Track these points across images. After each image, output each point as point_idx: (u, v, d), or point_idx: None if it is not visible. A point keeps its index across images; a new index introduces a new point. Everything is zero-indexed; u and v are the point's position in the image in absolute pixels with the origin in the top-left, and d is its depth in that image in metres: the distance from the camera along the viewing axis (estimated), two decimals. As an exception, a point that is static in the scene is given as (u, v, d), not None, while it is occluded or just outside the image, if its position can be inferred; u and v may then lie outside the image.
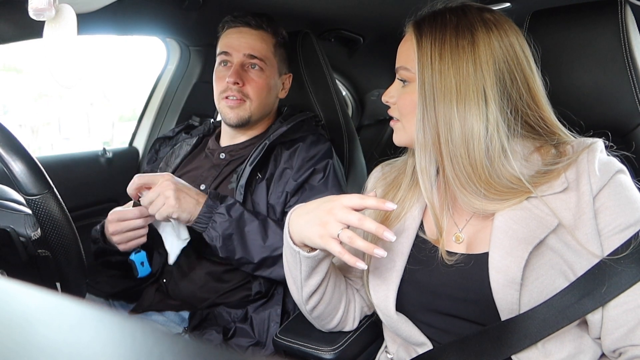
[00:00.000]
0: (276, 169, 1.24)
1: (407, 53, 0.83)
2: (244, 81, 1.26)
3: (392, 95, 0.87)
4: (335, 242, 0.75)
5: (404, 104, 0.84)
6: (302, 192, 1.21)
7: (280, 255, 1.08)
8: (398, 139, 0.89)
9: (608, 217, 0.73)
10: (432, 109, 0.77)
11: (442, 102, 0.76)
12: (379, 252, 0.73)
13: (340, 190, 1.22)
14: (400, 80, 0.85)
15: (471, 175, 0.77)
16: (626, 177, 0.76)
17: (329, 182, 1.22)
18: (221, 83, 1.27)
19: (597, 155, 0.76)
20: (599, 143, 0.79)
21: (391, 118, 0.91)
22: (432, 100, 0.77)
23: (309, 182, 1.21)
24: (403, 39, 0.86)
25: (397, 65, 0.85)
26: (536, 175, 0.77)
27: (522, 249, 0.74)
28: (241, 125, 1.29)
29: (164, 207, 1.06)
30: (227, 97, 1.26)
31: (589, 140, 0.80)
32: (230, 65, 1.27)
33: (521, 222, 0.76)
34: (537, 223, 0.75)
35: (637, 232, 0.72)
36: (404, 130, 0.86)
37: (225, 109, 1.28)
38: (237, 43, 1.26)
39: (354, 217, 0.74)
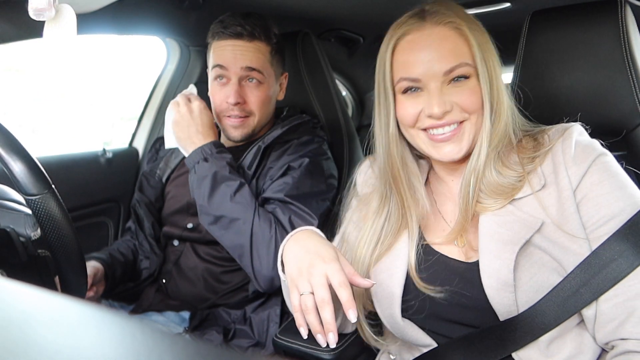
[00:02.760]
0: (264, 168, 1.24)
1: (460, 47, 0.77)
2: (245, 98, 1.22)
3: (446, 102, 0.77)
4: (297, 295, 0.73)
5: (473, 100, 0.77)
6: (272, 184, 1.20)
7: (235, 220, 1.11)
8: (465, 146, 0.79)
9: (591, 208, 0.72)
10: (495, 101, 0.78)
11: (495, 89, 0.78)
12: (320, 339, 0.72)
13: (307, 186, 1.19)
14: (456, 78, 0.77)
15: (491, 164, 0.79)
16: (609, 160, 0.74)
17: (296, 175, 1.19)
18: (220, 101, 1.23)
19: (572, 143, 0.75)
20: (575, 127, 0.77)
21: None
22: (488, 80, 0.77)
23: (282, 176, 1.21)
24: (440, 34, 0.78)
25: (451, 66, 0.76)
26: (519, 173, 0.78)
27: (509, 250, 0.74)
28: (245, 140, 1.28)
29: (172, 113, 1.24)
30: (227, 117, 1.24)
31: (564, 126, 0.79)
32: (227, 80, 1.22)
33: (505, 226, 0.76)
34: (520, 225, 0.75)
35: (628, 220, 0.70)
36: (475, 127, 0.79)
37: (229, 129, 1.26)
38: (232, 56, 1.20)
39: (323, 292, 0.70)
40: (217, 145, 1.19)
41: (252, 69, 1.21)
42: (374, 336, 0.90)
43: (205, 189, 1.14)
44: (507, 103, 0.79)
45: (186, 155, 1.21)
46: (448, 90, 0.78)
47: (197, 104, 1.23)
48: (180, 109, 1.22)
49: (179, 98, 1.25)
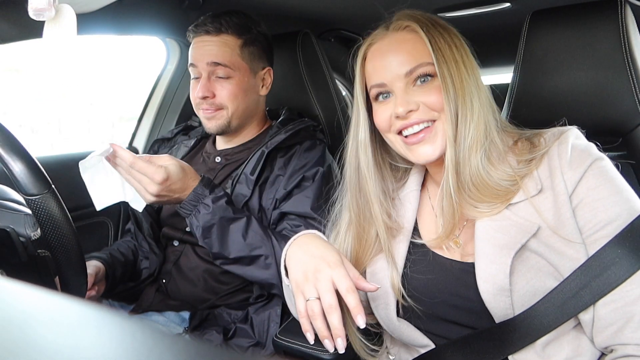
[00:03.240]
0: (270, 175, 1.23)
1: (418, 49, 0.78)
2: (214, 92, 1.23)
3: (412, 102, 0.78)
4: (303, 300, 0.73)
5: (439, 98, 0.77)
6: (290, 197, 1.20)
7: (257, 257, 1.09)
8: (439, 146, 0.79)
9: (587, 213, 0.72)
10: (460, 92, 0.76)
11: (460, 86, 0.77)
12: (328, 344, 0.71)
13: (324, 197, 1.18)
14: (421, 78, 0.79)
15: (472, 162, 0.77)
16: (605, 164, 0.74)
17: (315, 188, 1.20)
18: (194, 97, 1.25)
19: (568, 147, 0.74)
20: (571, 131, 0.77)
21: None
22: (451, 83, 0.76)
23: (298, 187, 1.20)
24: (399, 38, 0.81)
25: (412, 68, 0.78)
26: (514, 177, 0.77)
27: (505, 254, 0.73)
28: (222, 133, 1.28)
29: (142, 192, 1.03)
30: (202, 109, 1.25)
31: (560, 130, 0.79)
32: (199, 77, 1.24)
33: (502, 230, 0.75)
34: (517, 229, 0.74)
35: (629, 224, 0.70)
36: (443, 130, 0.78)
37: (204, 120, 1.27)
38: (199, 53, 1.23)
39: (330, 298, 0.71)
40: (206, 184, 1.10)
41: (217, 64, 1.22)
42: (366, 350, 0.90)
43: (214, 237, 1.11)
44: (480, 102, 0.78)
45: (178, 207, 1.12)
46: (414, 90, 0.79)
47: (157, 174, 1.02)
48: (147, 188, 1.03)
49: (137, 175, 1.02)
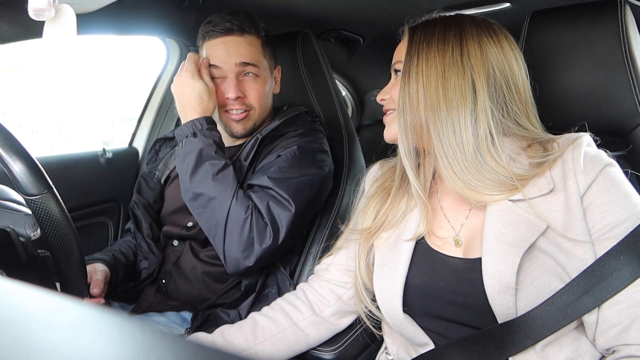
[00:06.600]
0: (259, 159, 1.25)
1: (401, 49, 0.87)
2: (245, 93, 1.24)
3: (386, 92, 0.90)
4: None
5: (395, 91, 0.86)
6: (259, 171, 1.20)
7: (213, 200, 1.12)
8: (393, 130, 0.88)
9: (597, 215, 0.73)
10: (414, 91, 0.80)
11: (422, 84, 0.79)
12: None
13: (290, 171, 1.18)
14: (396, 73, 0.89)
15: (458, 156, 0.78)
16: (615, 170, 0.76)
17: (281, 160, 1.18)
18: (219, 98, 1.24)
19: (582, 152, 0.76)
20: (585, 137, 0.79)
21: None
22: (415, 81, 0.80)
23: (269, 163, 1.20)
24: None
25: (392, 63, 0.89)
26: (523, 175, 0.78)
27: (514, 253, 0.74)
28: (248, 134, 1.29)
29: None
30: (228, 111, 1.25)
31: (574, 135, 0.80)
32: (223, 79, 1.23)
33: (511, 227, 0.76)
34: (526, 226, 0.75)
35: (632, 231, 0.71)
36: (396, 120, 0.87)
37: (231, 123, 1.26)
38: (225, 54, 1.21)
39: None
40: (209, 121, 1.18)
41: (247, 64, 1.23)
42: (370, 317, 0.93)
43: (189, 164, 1.14)
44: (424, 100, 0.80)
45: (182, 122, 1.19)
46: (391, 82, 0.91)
47: (187, 76, 1.18)
48: (184, 76, 1.19)
49: (188, 68, 1.20)
